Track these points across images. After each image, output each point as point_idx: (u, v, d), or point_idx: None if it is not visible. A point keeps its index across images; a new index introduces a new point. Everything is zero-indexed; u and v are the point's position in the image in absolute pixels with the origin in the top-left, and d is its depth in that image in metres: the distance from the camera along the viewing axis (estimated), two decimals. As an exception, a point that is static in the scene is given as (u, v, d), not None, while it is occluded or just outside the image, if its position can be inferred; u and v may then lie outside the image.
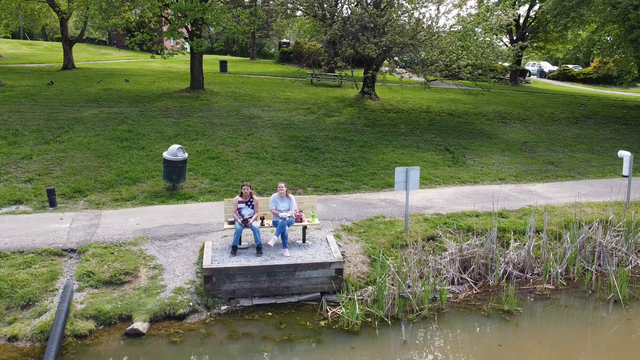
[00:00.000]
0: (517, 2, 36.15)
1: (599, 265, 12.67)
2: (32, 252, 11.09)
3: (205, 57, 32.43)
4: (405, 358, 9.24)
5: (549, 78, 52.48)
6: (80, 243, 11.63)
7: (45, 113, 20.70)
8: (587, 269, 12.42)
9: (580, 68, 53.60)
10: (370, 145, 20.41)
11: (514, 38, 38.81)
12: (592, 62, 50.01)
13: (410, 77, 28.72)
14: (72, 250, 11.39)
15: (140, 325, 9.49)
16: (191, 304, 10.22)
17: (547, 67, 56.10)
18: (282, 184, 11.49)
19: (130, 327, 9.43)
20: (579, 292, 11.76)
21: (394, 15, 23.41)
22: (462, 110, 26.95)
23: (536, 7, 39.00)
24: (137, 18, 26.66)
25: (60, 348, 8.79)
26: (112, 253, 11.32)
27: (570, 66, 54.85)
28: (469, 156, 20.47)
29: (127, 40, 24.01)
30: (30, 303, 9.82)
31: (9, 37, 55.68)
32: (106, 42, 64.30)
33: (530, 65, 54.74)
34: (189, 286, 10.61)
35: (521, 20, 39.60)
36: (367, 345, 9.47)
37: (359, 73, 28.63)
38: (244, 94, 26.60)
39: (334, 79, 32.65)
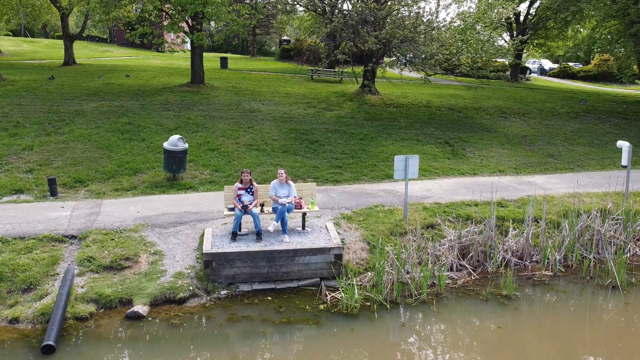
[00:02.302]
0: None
1: (597, 252, 12.73)
2: (33, 238, 11.17)
3: (205, 54, 32.53)
4: (404, 339, 9.31)
5: (549, 75, 52.45)
6: (81, 230, 11.70)
7: (46, 106, 20.78)
8: (586, 257, 12.48)
9: (581, 66, 53.60)
10: (370, 138, 20.46)
11: (514, 34, 38.83)
12: (592, 59, 50.03)
13: (410, 72, 28.79)
14: (73, 237, 11.47)
15: (140, 308, 9.56)
16: (191, 288, 10.29)
17: (547, 64, 56.05)
18: (282, 171, 11.55)
19: (131, 309, 9.50)
20: (577, 279, 11.81)
21: (394, 10, 23.50)
22: (462, 105, 26.99)
23: (536, 4, 39.06)
24: (138, 13, 26.76)
25: (61, 329, 8.86)
26: (113, 239, 11.39)
27: (571, 64, 54.83)
28: (469, 149, 20.52)
29: (128, 33, 24.08)
30: (32, 287, 9.89)
31: (9, 35, 55.80)
32: (106, 40, 64.41)
33: (531, 63, 54.71)
34: (189, 271, 10.68)
35: (521, 18, 39.64)
36: (366, 328, 9.55)
37: (359, 69, 28.69)
38: (244, 88, 26.66)
39: (334, 75, 32.72)
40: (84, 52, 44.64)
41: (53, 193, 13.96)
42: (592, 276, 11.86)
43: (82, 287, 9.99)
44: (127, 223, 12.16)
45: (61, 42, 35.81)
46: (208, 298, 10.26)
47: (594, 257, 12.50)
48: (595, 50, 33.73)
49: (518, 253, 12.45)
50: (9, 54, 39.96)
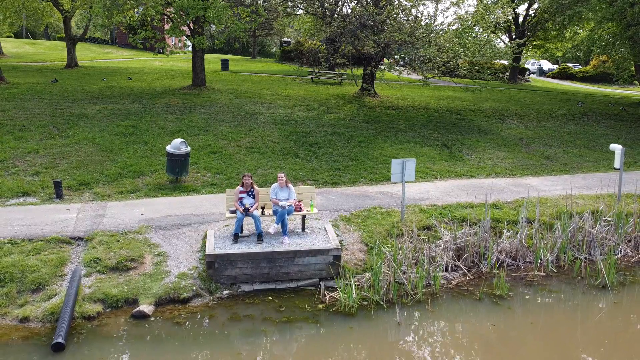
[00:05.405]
0: (515, 0, 36.47)
1: (589, 253, 13.07)
2: (41, 240, 11.53)
3: (206, 56, 32.89)
4: (400, 338, 9.67)
5: (548, 76, 52.81)
6: (87, 232, 12.06)
7: (51, 109, 21.14)
8: (577, 257, 12.82)
9: (580, 67, 53.93)
10: (369, 141, 20.80)
11: (513, 36, 39.19)
12: (591, 60, 50.37)
13: (408, 74, 29.14)
14: (80, 239, 11.83)
15: (145, 307, 9.91)
16: (194, 288, 10.65)
17: (546, 65, 56.40)
18: (282, 174, 11.90)
19: (137, 309, 9.86)
20: (569, 279, 12.16)
21: (393, 14, 23.84)
22: (460, 107, 27.34)
23: (535, 6, 39.36)
24: (140, 17, 27.11)
25: (70, 328, 9.21)
26: (118, 241, 11.75)
27: (570, 65, 55.19)
28: (466, 151, 20.86)
29: (130, 37, 24.43)
30: (40, 287, 10.25)
31: (11, 37, 56.13)
32: (108, 41, 64.77)
33: (530, 64, 55.10)
34: (192, 272, 11.04)
35: (520, 19, 39.96)
36: (363, 326, 9.91)
37: (359, 71, 29.06)
38: (245, 91, 27.02)
39: (334, 77, 33.09)
40: (85, 53, 45.03)
41: (59, 195, 14.31)
42: (583, 276, 12.20)
43: (89, 288, 10.35)
44: (131, 225, 12.51)
45: (63, 43, 36.21)
46: (211, 298, 10.61)
47: (586, 257, 12.84)
48: (594, 51, 34.06)
49: (512, 254, 12.80)
50: (11, 56, 40.32)
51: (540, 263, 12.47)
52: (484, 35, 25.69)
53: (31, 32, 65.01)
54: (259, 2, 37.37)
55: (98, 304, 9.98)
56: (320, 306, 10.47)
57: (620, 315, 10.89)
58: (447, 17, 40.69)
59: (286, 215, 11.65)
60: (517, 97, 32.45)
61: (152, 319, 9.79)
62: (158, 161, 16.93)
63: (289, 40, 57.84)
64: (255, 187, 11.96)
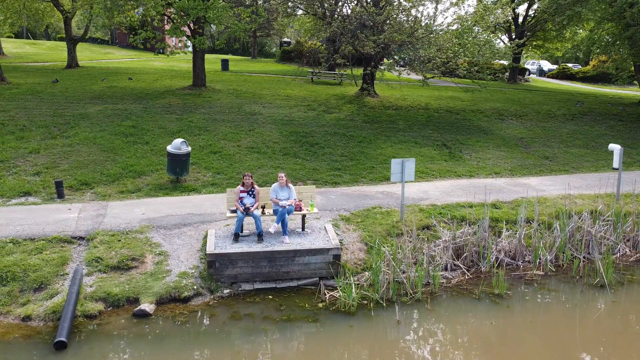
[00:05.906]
0: (514, 0, 36.54)
1: (588, 253, 13.13)
2: (43, 240, 11.60)
3: (207, 56, 32.96)
4: (400, 336, 9.74)
5: (548, 77, 52.90)
6: (88, 231, 12.13)
7: (51, 109, 21.21)
8: (576, 257, 12.88)
9: (580, 67, 54.00)
10: (368, 141, 20.87)
11: (513, 36, 39.24)
12: (591, 60, 50.45)
13: (408, 75, 29.21)
14: (81, 238, 11.90)
15: (147, 306, 9.98)
16: (195, 287, 10.72)
17: (546, 65, 56.48)
18: (282, 174, 11.97)
19: (138, 308, 9.93)
20: (568, 278, 12.23)
21: (393, 14, 23.92)
22: (460, 107, 27.41)
23: (535, 6, 39.42)
24: (140, 17, 27.19)
25: (72, 327, 9.28)
26: (119, 240, 11.82)
27: (570, 65, 55.26)
28: (466, 151, 20.92)
29: (131, 37, 24.52)
30: (42, 286, 10.32)
31: (12, 37, 56.21)
32: (108, 42, 64.85)
33: (530, 64, 55.18)
34: (193, 271, 11.11)
35: (520, 19, 40.03)
36: (363, 325, 9.98)
37: (359, 71, 29.14)
38: (246, 91, 27.09)
39: (334, 77, 33.17)
40: (86, 54, 45.12)
41: (60, 195, 14.38)
42: (581, 275, 12.28)
43: (90, 287, 10.42)
44: (132, 224, 12.58)
45: (63, 44, 36.28)
46: (211, 297, 10.68)
47: (584, 257, 12.91)
48: (594, 51, 34.14)
49: (511, 253, 12.86)
50: (12, 56, 40.42)
51: (539, 262, 12.54)
52: (484, 35, 25.77)
53: (32, 32, 65.10)
54: (259, 2, 37.42)
55: (100, 303, 10.05)
56: (320, 305, 10.55)
57: (619, 314, 10.97)
58: (446, 17, 40.79)
59: (286, 214, 11.72)
60: (517, 97, 32.52)
61: (153, 317, 9.86)
62: (159, 161, 17.00)
63: (289, 40, 57.90)
64: (256, 186, 12.04)
